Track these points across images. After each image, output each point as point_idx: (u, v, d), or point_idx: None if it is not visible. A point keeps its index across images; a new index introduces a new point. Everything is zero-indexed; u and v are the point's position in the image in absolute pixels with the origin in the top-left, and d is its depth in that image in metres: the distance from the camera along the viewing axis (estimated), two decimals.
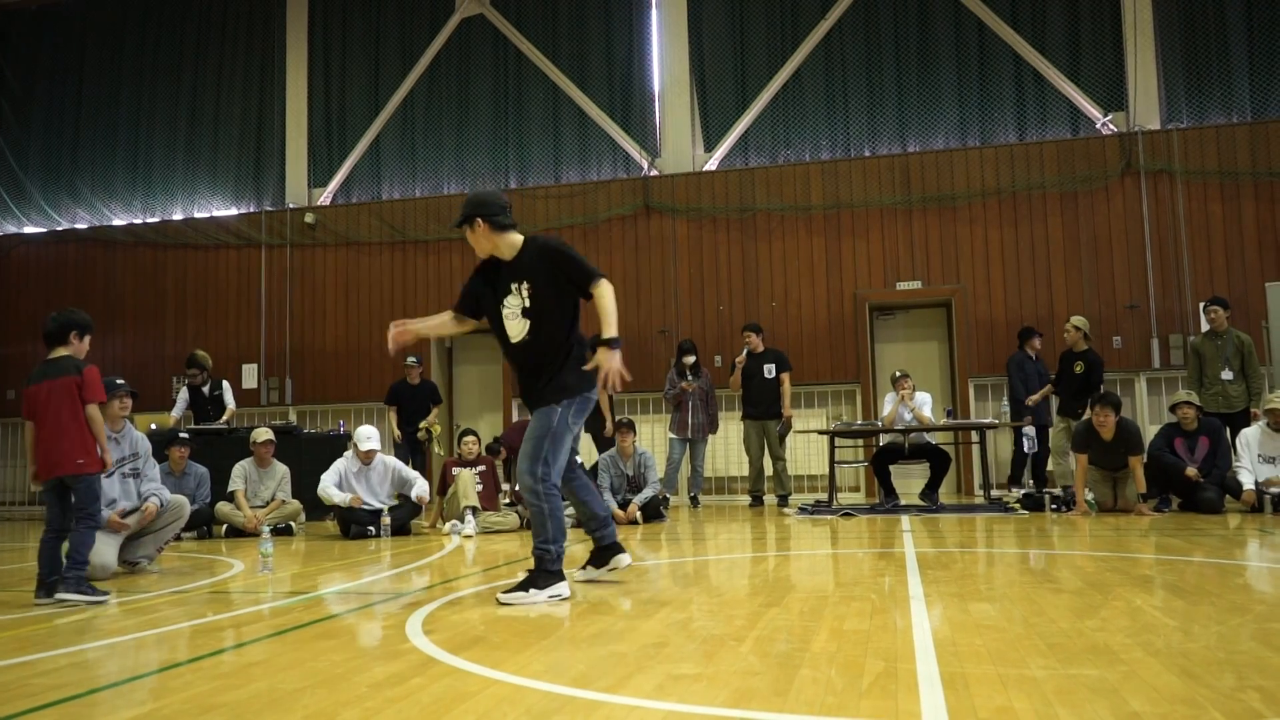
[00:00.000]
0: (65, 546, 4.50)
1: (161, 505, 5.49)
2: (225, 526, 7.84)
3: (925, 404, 8.52)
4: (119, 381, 5.43)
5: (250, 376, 12.48)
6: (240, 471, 8.03)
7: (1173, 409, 7.84)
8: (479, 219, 3.98)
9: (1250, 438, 7.53)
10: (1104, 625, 3.02)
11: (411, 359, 10.08)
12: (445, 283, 12.10)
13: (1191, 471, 7.38)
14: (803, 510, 8.36)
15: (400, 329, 4.23)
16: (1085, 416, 7.93)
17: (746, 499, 9.88)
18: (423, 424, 9.92)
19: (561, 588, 3.81)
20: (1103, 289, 10.35)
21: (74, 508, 4.44)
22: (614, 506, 7.87)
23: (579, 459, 4.41)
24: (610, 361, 3.79)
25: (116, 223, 13.44)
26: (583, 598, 3.93)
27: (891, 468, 8.81)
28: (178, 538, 6.29)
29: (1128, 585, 3.84)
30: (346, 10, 12.98)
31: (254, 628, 3.49)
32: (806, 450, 10.69)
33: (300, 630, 3.38)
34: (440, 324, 4.34)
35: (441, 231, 12.10)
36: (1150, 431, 8.89)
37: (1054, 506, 7.68)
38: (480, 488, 7.61)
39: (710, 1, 11.79)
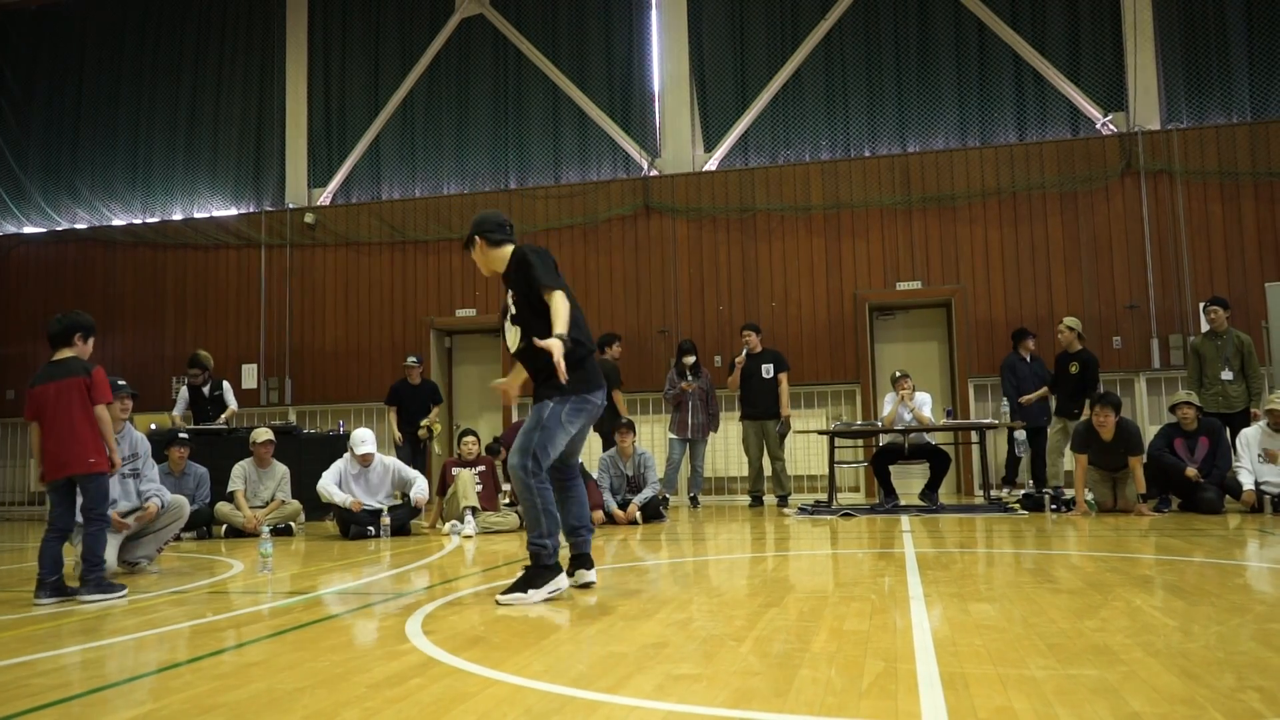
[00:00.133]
0: (69, 548, 4.52)
1: (162, 506, 5.49)
2: (225, 527, 7.84)
3: (925, 404, 8.52)
4: (120, 383, 5.44)
5: (250, 376, 12.47)
6: (240, 472, 8.03)
7: (1172, 409, 7.84)
8: (477, 237, 4.20)
9: (1250, 438, 7.54)
10: (1104, 625, 3.02)
11: (412, 359, 10.09)
12: (445, 283, 12.11)
13: (1191, 472, 7.38)
14: (802, 510, 8.36)
15: (505, 390, 4.37)
16: (1085, 417, 7.93)
17: (746, 499, 9.88)
18: (424, 422, 9.93)
19: (559, 581, 3.84)
20: (1102, 289, 10.35)
21: (84, 508, 4.49)
22: (614, 506, 7.88)
23: (580, 462, 4.39)
24: (553, 346, 3.71)
25: (116, 223, 13.44)
26: (582, 598, 3.93)
27: (891, 468, 8.81)
28: (177, 538, 6.29)
29: (1128, 585, 3.84)
30: (346, 10, 12.98)
31: (253, 628, 3.49)
32: (806, 450, 10.69)
33: (300, 630, 3.38)
34: (518, 367, 4.29)
35: (441, 231, 12.10)
36: (1150, 432, 8.89)
37: (1054, 507, 7.67)
38: (480, 488, 7.61)
39: (710, 1, 11.79)
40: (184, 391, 9.73)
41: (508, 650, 2.91)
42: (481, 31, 12.48)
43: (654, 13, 11.96)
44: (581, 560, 4.16)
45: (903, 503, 8.59)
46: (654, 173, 11.70)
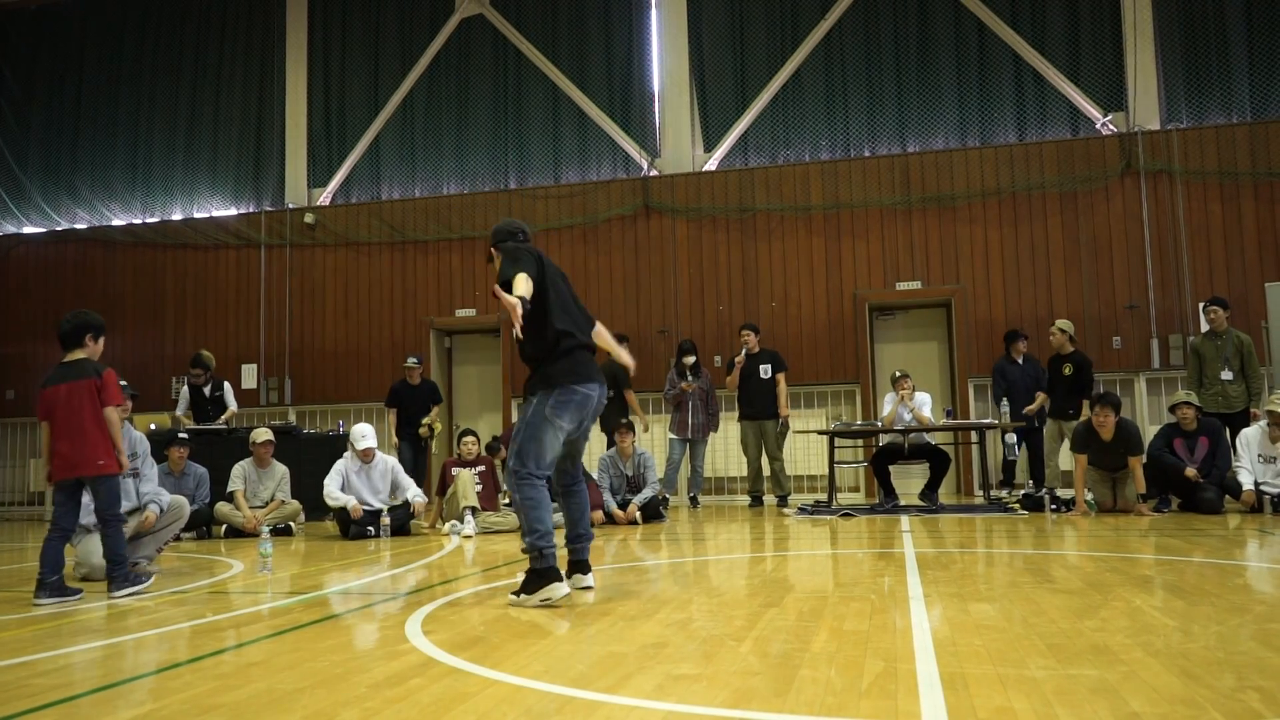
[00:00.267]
0: (68, 549, 4.53)
1: (161, 511, 5.49)
2: (225, 527, 7.84)
3: (925, 404, 8.52)
4: (121, 383, 5.44)
5: (250, 377, 12.47)
6: (239, 472, 8.03)
7: (1172, 409, 7.84)
8: (492, 248, 4.22)
9: (1250, 438, 7.54)
10: (1104, 625, 3.02)
11: (412, 360, 10.09)
12: (445, 283, 12.11)
13: (1191, 472, 7.38)
14: (802, 510, 8.36)
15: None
16: (1085, 417, 7.93)
17: (746, 499, 9.88)
18: (425, 420, 9.94)
19: (552, 589, 3.69)
20: (1102, 289, 10.35)
21: (97, 510, 4.55)
22: (613, 507, 7.88)
23: (581, 465, 4.37)
24: (500, 292, 3.67)
25: (116, 223, 13.44)
26: (582, 598, 3.93)
27: (891, 468, 8.81)
28: (177, 538, 6.29)
29: (1127, 585, 3.84)
30: (346, 10, 12.98)
31: (253, 628, 3.49)
32: (806, 450, 10.69)
33: (300, 630, 3.38)
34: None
35: (441, 231, 12.10)
36: (1150, 432, 8.89)
37: (1054, 507, 7.67)
38: (479, 488, 7.61)
39: (710, 1, 11.79)
40: (185, 391, 9.73)
41: (508, 650, 2.90)
42: (481, 31, 12.48)
43: (654, 13, 11.96)
44: (579, 566, 4.14)
45: (902, 503, 8.59)
46: (654, 173, 11.70)
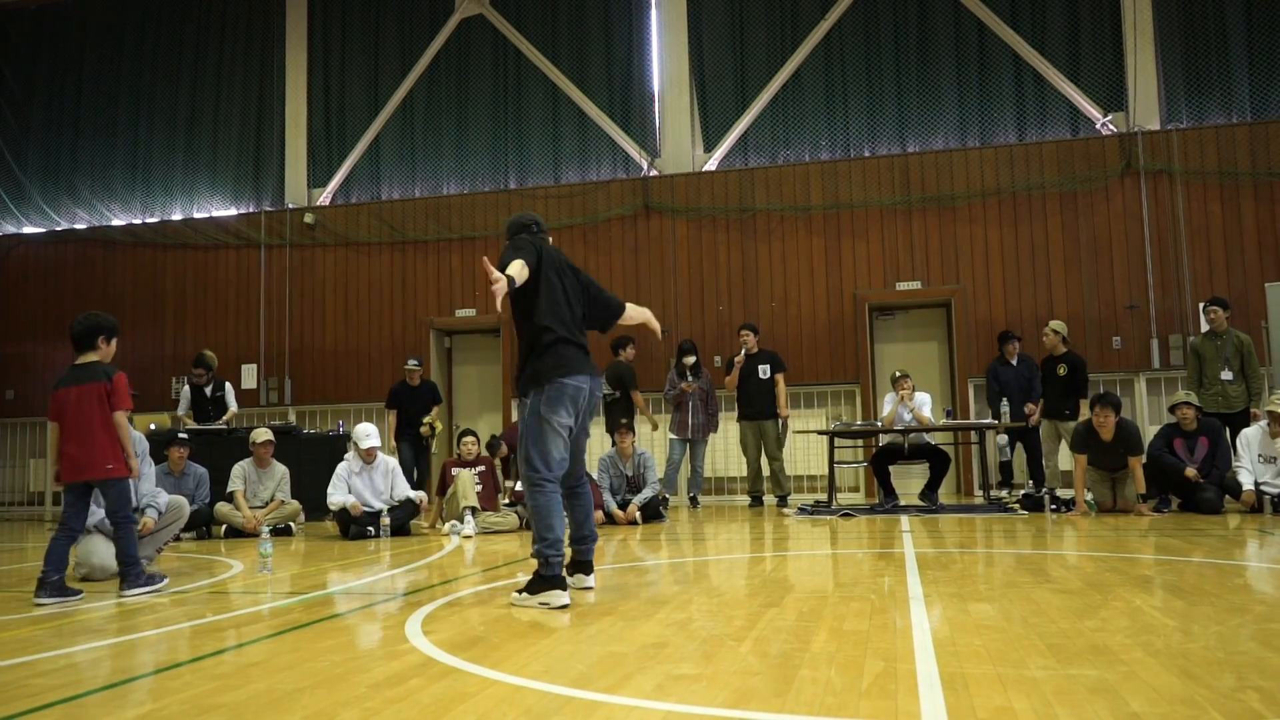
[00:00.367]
0: (71, 549, 4.55)
1: (159, 514, 5.48)
2: (224, 527, 7.84)
3: (925, 404, 8.52)
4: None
5: (249, 377, 12.47)
6: (239, 472, 8.03)
7: (1172, 409, 7.84)
8: (508, 240, 4.18)
9: (1250, 438, 7.54)
10: (1104, 625, 3.02)
11: (413, 361, 10.09)
12: (445, 283, 12.11)
13: (1191, 472, 7.38)
14: (802, 510, 8.36)
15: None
16: (1085, 418, 7.93)
17: (746, 499, 9.88)
18: (426, 419, 9.95)
19: (553, 596, 3.70)
20: (1102, 289, 10.35)
21: (108, 512, 4.61)
22: (613, 507, 7.88)
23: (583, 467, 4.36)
24: (486, 264, 3.64)
25: (116, 223, 13.44)
26: (582, 598, 3.93)
27: (891, 468, 8.81)
28: (177, 538, 6.29)
29: (1127, 585, 3.84)
30: (346, 10, 12.98)
31: (253, 628, 3.49)
32: (806, 450, 10.69)
33: (299, 631, 3.38)
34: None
35: (441, 231, 12.10)
36: (1150, 432, 8.89)
37: (1054, 507, 7.67)
38: (479, 488, 7.61)
39: (710, 1, 11.79)
40: (186, 390, 9.74)
41: (508, 650, 2.91)
42: (481, 31, 12.48)
43: (654, 13, 11.96)
44: (583, 566, 4.15)
45: (902, 503, 8.59)
46: (654, 173, 11.70)
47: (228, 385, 9.79)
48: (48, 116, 13.93)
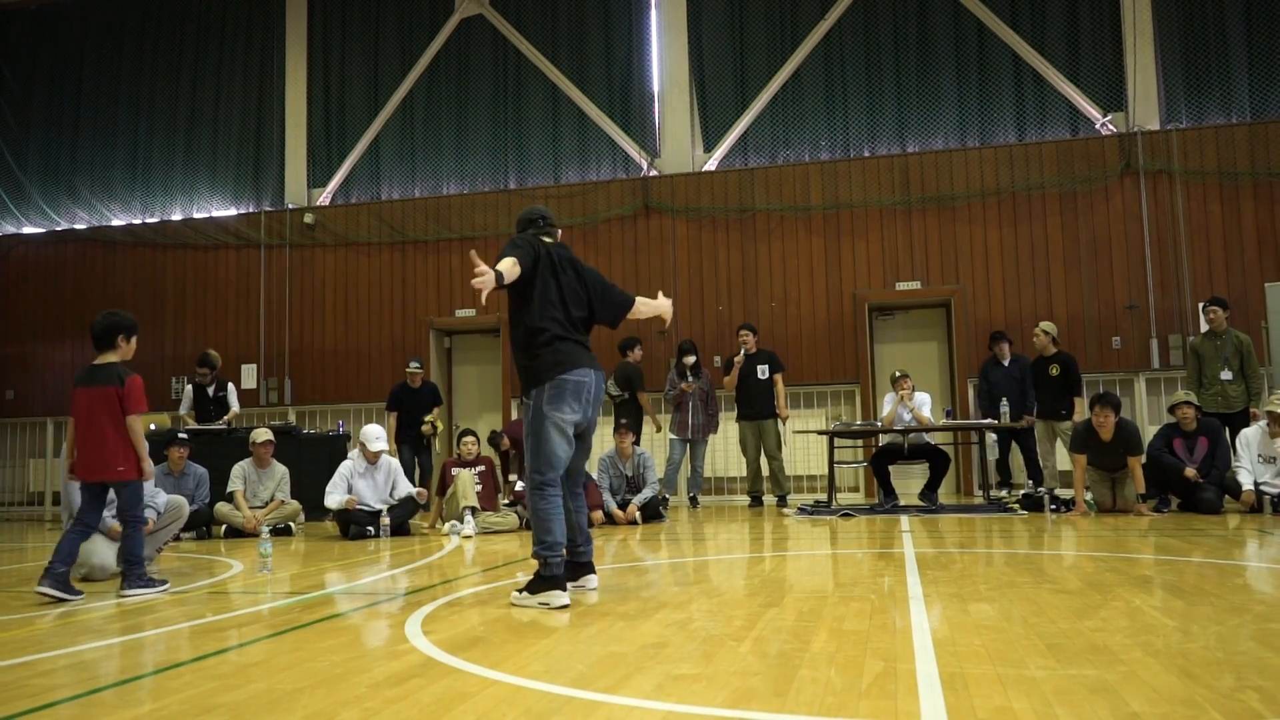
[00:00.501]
0: (72, 548, 4.56)
1: (158, 516, 5.48)
2: (224, 527, 7.84)
3: (924, 404, 8.53)
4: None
5: (250, 377, 12.47)
6: (239, 472, 8.03)
7: (1172, 409, 7.84)
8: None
9: (1250, 438, 7.54)
10: (1103, 625, 3.02)
11: (414, 364, 10.11)
12: (444, 283, 12.10)
13: (1190, 472, 7.38)
14: (802, 510, 8.36)
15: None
16: (1085, 418, 7.93)
17: (745, 499, 9.89)
18: (427, 418, 9.96)
19: (552, 596, 3.71)
20: (1102, 289, 10.35)
21: (119, 511, 4.66)
22: (613, 507, 7.88)
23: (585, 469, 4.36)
24: (475, 257, 3.67)
25: (116, 223, 13.43)
26: (582, 598, 3.93)
27: (891, 468, 8.81)
28: (177, 538, 6.29)
29: (1127, 585, 3.84)
30: (346, 10, 12.98)
31: (253, 628, 3.49)
32: (806, 450, 10.69)
33: (299, 631, 3.38)
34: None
35: (441, 232, 12.10)
36: (1149, 432, 8.89)
37: (1053, 507, 7.68)
38: (479, 488, 7.61)
39: (710, 1, 11.79)
40: (189, 390, 9.76)
41: (507, 650, 2.91)
42: (481, 31, 12.48)
43: (654, 13, 11.96)
44: (585, 568, 4.15)
45: (902, 503, 8.59)
46: (653, 173, 11.70)
47: (230, 385, 9.82)
48: (48, 116, 13.93)
